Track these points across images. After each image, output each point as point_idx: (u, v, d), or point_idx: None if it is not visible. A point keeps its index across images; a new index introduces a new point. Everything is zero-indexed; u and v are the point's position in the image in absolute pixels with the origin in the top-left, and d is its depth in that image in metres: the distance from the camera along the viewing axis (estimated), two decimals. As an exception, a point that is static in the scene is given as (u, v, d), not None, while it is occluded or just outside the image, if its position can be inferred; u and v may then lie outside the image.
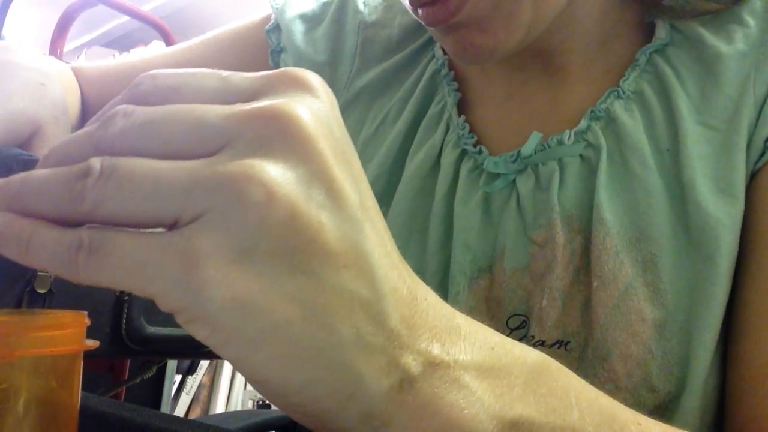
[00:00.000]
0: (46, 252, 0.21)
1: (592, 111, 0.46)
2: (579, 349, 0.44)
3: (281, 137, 0.22)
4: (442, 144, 0.51)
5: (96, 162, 0.21)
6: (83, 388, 0.29)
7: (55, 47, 1.71)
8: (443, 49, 0.55)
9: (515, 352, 0.27)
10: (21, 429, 0.26)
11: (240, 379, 2.62)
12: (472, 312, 0.28)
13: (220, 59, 0.62)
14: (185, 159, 0.22)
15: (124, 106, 0.23)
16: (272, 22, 0.61)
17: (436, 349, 0.24)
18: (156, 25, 1.85)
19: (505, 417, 0.25)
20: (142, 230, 0.21)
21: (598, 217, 0.43)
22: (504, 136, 0.50)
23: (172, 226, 0.21)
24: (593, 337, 0.43)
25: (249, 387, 2.63)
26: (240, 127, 0.22)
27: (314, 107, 0.23)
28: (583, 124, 0.46)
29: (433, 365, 0.24)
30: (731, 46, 0.45)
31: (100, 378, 1.31)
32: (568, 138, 0.46)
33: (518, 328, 0.46)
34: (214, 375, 2.54)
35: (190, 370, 2.22)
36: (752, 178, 0.43)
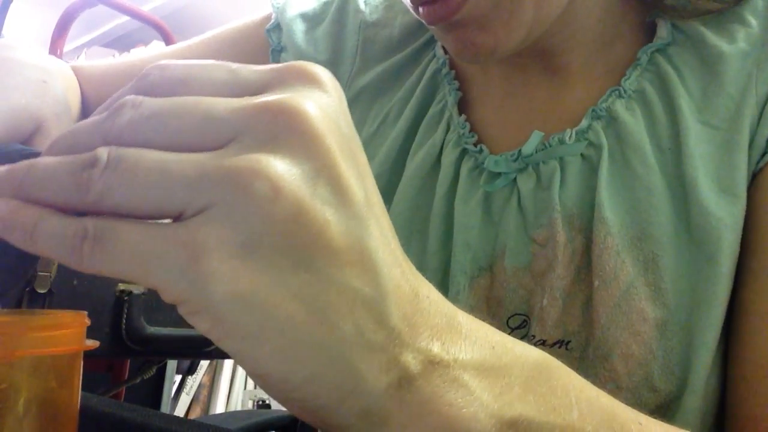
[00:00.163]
0: (51, 240, 0.21)
1: (593, 110, 0.46)
2: (580, 348, 0.44)
3: (289, 132, 0.22)
4: (443, 143, 0.51)
5: (103, 152, 0.21)
6: (83, 388, 0.29)
7: (55, 47, 1.71)
8: (444, 49, 0.55)
9: (516, 350, 0.27)
10: (21, 429, 0.26)
11: (240, 379, 2.62)
12: (472, 311, 0.28)
13: (220, 58, 0.62)
14: (192, 151, 0.22)
15: (132, 96, 0.23)
16: (273, 21, 0.61)
17: (436, 348, 0.24)
18: (156, 25, 1.86)
19: (503, 416, 0.25)
20: (147, 221, 0.21)
21: (600, 216, 0.43)
22: (505, 135, 0.50)
23: (178, 218, 0.21)
24: (594, 336, 0.43)
25: (249, 387, 2.63)
26: (248, 122, 0.22)
27: (322, 102, 0.23)
28: (584, 123, 0.46)
29: (432, 364, 0.24)
30: (733, 45, 0.45)
31: (100, 378, 1.31)
32: (570, 137, 0.46)
33: (519, 327, 0.46)
34: (214, 375, 2.54)
35: (190, 370, 2.22)
36: (754, 177, 0.43)
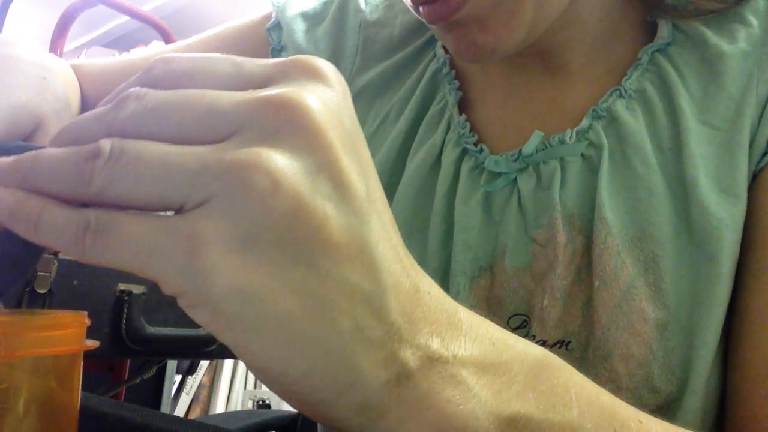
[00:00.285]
0: (54, 231, 0.22)
1: (593, 110, 0.46)
2: (580, 349, 0.44)
3: (290, 127, 0.22)
4: (443, 143, 0.51)
5: (106, 144, 0.21)
6: (83, 388, 0.29)
7: (55, 47, 1.71)
8: (445, 48, 0.55)
9: (517, 347, 0.27)
10: (21, 429, 0.26)
11: (240, 379, 2.62)
12: (472, 311, 0.28)
13: None
14: (195, 144, 0.22)
15: (137, 88, 0.23)
16: (273, 20, 0.61)
17: (435, 344, 0.24)
18: (156, 25, 1.86)
19: (502, 413, 0.25)
20: (149, 213, 0.21)
21: (600, 216, 0.43)
22: (505, 135, 0.50)
23: (179, 210, 0.21)
24: (594, 337, 0.43)
25: (249, 387, 2.63)
26: (250, 115, 0.22)
27: (325, 97, 0.23)
28: (584, 123, 0.46)
29: (431, 360, 0.24)
30: (734, 45, 0.45)
31: (100, 378, 1.31)
32: (570, 137, 0.46)
33: (519, 327, 0.45)
34: (214, 375, 2.54)
35: (190, 370, 2.22)
36: (754, 177, 0.43)
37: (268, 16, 0.62)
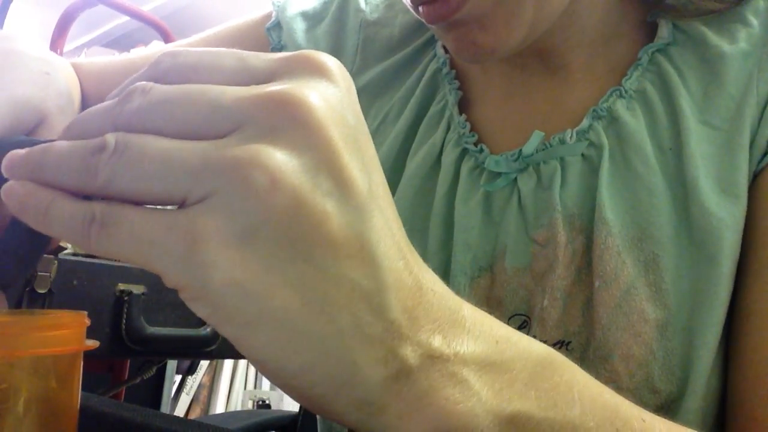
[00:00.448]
0: (62, 222, 0.22)
1: (594, 110, 0.46)
2: (580, 349, 0.44)
3: (291, 124, 0.22)
4: (443, 143, 0.51)
5: (111, 138, 0.22)
6: (83, 388, 0.29)
7: (55, 47, 1.71)
8: (445, 48, 0.55)
9: (520, 345, 0.27)
10: (21, 429, 0.26)
11: (240, 379, 2.62)
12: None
13: None
14: (198, 140, 0.22)
15: (143, 83, 0.23)
16: (273, 19, 0.61)
17: (436, 342, 0.24)
18: (156, 25, 1.85)
19: (502, 412, 0.25)
20: (152, 207, 0.22)
21: (600, 216, 0.43)
22: (505, 134, 0.50)
23: (181, 205, 0.21)
24: (595, 337, 0.43)
25: (249, 387, 2.63)
26: (251, 112, 0.22)
27: (328, 93, 0.23)
28: (585, 123, 0.46)
29: (432, 358, 0.24)
30: (734, 45, 0.45)
31: (100, 378, 1.31)
32: (570, 137, 0.46)
33: (519, 328, 0.45)
34: (214, 375, 2.54)
35: (190, 370, 2.22)
36: (754, 177, 0.43)
37: (268, 16, 0.62)
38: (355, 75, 0.59)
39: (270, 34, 0.61)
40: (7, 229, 0.30)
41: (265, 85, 0.23)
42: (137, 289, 1.02)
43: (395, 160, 0.53)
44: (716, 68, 0.45)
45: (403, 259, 0.24)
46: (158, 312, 1.05)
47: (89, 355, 0.30)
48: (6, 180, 0.23)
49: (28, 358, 0.26)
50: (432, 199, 0.50)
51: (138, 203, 0.22)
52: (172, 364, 1.64)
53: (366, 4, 0.60)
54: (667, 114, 0.45)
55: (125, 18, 2.71)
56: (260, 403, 2.53)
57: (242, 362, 2.60)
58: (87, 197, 0.23)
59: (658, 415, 0.31)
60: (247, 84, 0.23)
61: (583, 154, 0.46)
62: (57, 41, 1.72)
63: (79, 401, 0.29)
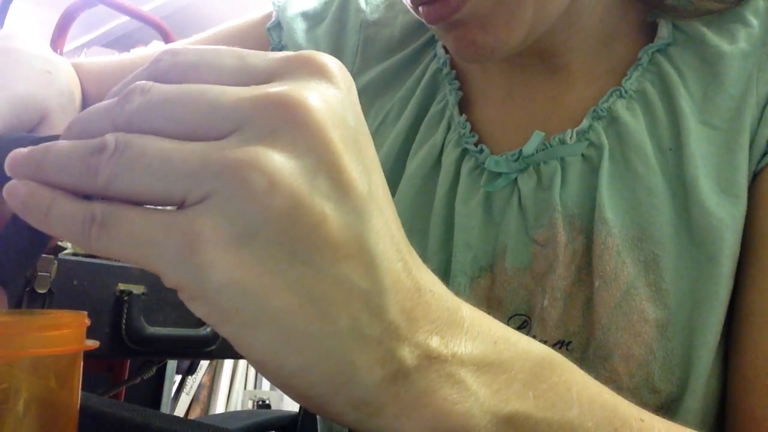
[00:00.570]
0: (63, 222, 0.22)
1: (594, 110, 0.46)
2: (580, 349, 0.44)
3: (290, 126, 0.22)
4: (443, 143, 0.51)
5: (111, 138, 0.22)
6: (83, 388, 0.29)
7: (55, 47, 1.71)
8: (445, 48, 0.55)
9: (519, 345, 0.27)
10: (21, 429, 0.26)
11: (240, 379, 2.62)
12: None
13: None
14: (197, 140, 0.22)
15: (142, 82, 0.23)
16: (273, 19, 0.61)
17: (434, 342, 0.24)
18: (156, 25, 1.85)
19: (500, 412, 0.25)
20: (152, 208, 0.22)
21: (600, 216, 0.43)
22: (505, 135, 0.50)
23: (181, 205, 0.22)
24: (595, 337, 0.43)
25: (249, 387, 2.63)
26: (250, 113, 0.22)
27: (328, 94, 0.23)
28: (585, 123, 0.46)
29: (429, 359, 0.24)
30: (734, 45, 0.45)
31: (100, 378, 1.31)
32: (570, 137, 0.46)
33: (519, 328, 0.45)
34: (214, 375, 2.54)
35: (190, 370, 2.22)
36: (754, 177, 0.43)
37: (269, 16, 0.62)
38: (355, 75, 0.59)
39: (270, 34, 0.61)
40: (7, 227, 0.30)
41: (265, 85, 0.23)
42: (137, 289, 1.02)
43: (395, 160, 0.53)
44: (716, 68, 0.45)
45: (401, 261, 0.24)
46: (158, 312, 1.05)
47: (89, 355, 0.30)
48: (7, 178, 0.23)
49: (28, 358, 0.26)
50: (432, 200, 0.50)
51: (138, 203, 0.22)
52: (172, 364, 1.64)
53: (366, 4, 0.60)
54: (667, 114, 0.45)
55: (125, 18, 2.71)
56: (260, 403, 2.53)
57: (242, 362, 2.60)
58: (88, 197, 0.23)
59: (658, 415, 0.32)
60: (247, 84, 0.23)
61: (583, 155, 0.46)
62: (57, 41, 1.72)
63: (79, 401, 0.29)
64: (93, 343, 0.28)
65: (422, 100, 0.54)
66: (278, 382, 0.24)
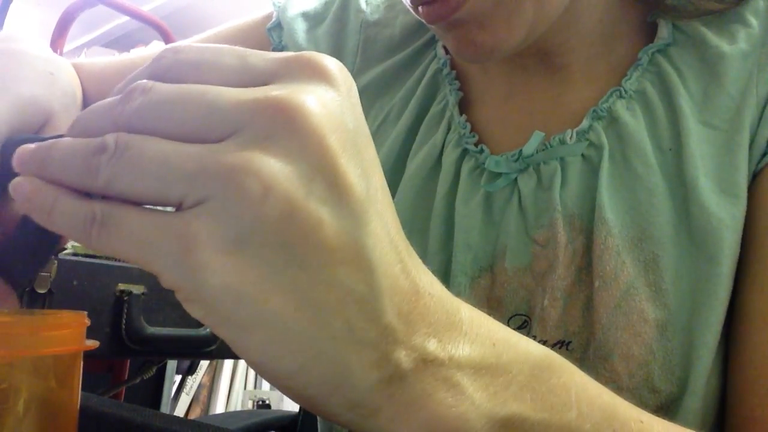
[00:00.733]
0: (66, 220, 0.23)
1: (594, 110, 0.46)
2: (580, 349, 0.44)
3: (287, 130, 0.22)
4: (444, 143, 0.51)
5: (111, 139, 0.22)
6: (83, 388, 0.29)
7: (55, 47, 1.71)
8: (445, 48, 0.55)
9: (519, 347, 0.27)
10: (21, 429, 0.26)
11: (240, 379, 2.62)
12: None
13: None
14: (196, 142, 0.22)
15: (143, 81, 0.23)
16: (274, 20, 0.61)
17: (431, 346, 0.24)
18: (156, 25, 1.85)
19: (496, 416, 0.25)
20: (151, 208, 0.22)
21: (600, 216, 0.43)
22: (505, 135, 0.50)
23: (178, 207, 0.22)
24: (595, 337, 0.43)
25: (249, 387, 2.63)
26: (248, 116, 0.22)
27: (327, 98, 0.23)
28: (585, 123, 0.46)
29: (426, 362, 0.24)
30: (734, 45, 0.45)
31: (100, 378, 1.31)
32: (570, 137, 0.46)
33: (519, 328, 0.45)
34: (214, 375, 2.54)
35: (190, 370, 2.22)
36: (754, 177, 0.43)
37: (269, 16, 0.62)
38: (355, 75, 0.59)
39: (271, 34, 0.61)
40: (19, 227, 0.30)
41: (264, 87, 0.23)
42: (137, 289, 1.02)
43: (395, 160, 0.53)
44: (716, 68, 0.45)
45: (400, 263, 0.24)
46: (158, 312, 1.05)
47: (89, 355, 0.30)
48: (14, 176, 0.23)
49: (28, 358, 0.26)
50: (432, 200, 0.50)
51: (138, 203, 0.22)
52: (172, 364, 1.64)
53: (367, 4, 0.60)
54: (666, 114, 0.45)
55: (125, 18, 2.71)
56: (260, 403, 2.53)
57: (242, 362, 2.60)
58: (90, 194, 0.23)
59: (658, 415, 0.32)
60: (247, 84, 0.23)
61: (583, 155, 0.46)
62: (57, 41, 1.72)
63: (79, 401, 0.29)
64: (93, 343, 0.28)
65: (422, 101, 0.54)
66: (275, 383, 0.24)
